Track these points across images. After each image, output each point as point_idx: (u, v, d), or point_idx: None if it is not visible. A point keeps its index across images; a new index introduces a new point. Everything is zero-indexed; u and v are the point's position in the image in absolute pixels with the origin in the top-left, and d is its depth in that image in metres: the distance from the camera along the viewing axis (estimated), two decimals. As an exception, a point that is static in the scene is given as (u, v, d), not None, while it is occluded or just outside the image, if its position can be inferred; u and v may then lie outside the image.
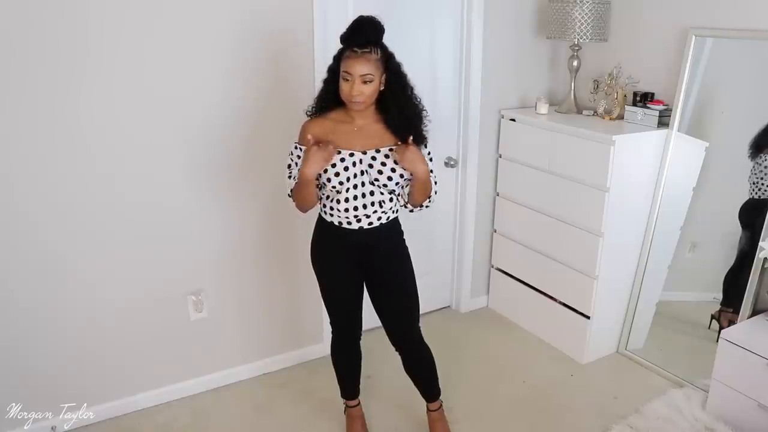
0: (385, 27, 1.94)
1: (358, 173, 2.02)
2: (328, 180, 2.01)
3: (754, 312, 2.64)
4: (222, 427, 2.57)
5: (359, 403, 2.51)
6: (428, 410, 2.46)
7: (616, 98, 2.98)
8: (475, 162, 3.27)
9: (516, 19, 3.18)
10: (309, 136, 1.97)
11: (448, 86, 3.16)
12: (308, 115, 2.10)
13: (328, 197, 2.08)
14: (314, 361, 3.00)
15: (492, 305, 3.59)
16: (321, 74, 2.62)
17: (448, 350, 3.12)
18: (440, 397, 2.45)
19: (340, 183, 2.01)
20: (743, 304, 2.63)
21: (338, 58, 1.98)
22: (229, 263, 2.70)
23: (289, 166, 2.11)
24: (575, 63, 3.10)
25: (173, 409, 2.66)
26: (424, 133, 2.08)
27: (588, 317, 2.97)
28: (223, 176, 2.59)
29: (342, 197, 2.04)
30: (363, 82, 1.90)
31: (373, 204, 2.07)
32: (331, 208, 2.08)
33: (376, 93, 1.96)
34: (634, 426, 2.52)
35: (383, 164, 2.03)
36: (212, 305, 2.71)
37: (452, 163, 3.25)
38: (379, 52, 1.94)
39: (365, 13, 1.95)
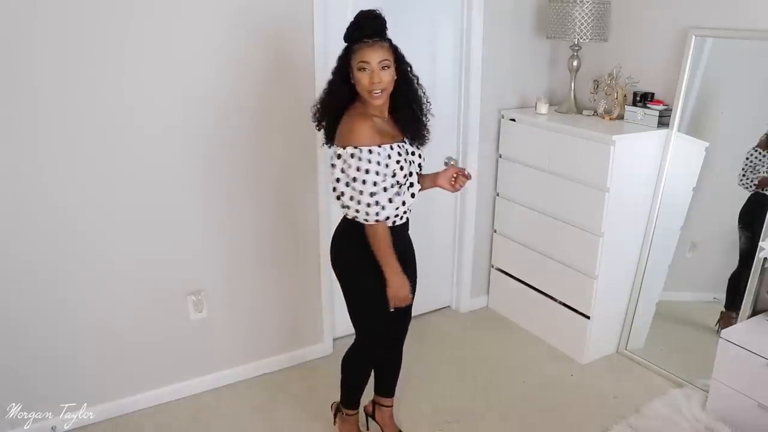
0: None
1: (412, 163, 2.04)
2: (393, 175, 1.94)
3: (754, 312, 2.64)
4: (222, 427, 2.57)
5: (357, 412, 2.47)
6: (388, 406, 2.48)
7: (616, 98, 2.98)
8: (475, 162, 3.27)
9: (516, 19, 3.18)
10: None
11: (448, 86, 3.16)
12: (317, 118, 2.05)
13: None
14: (314, 362, 3.00)
15: (492, 305, 3.59)
16: (321, 73, 2.66)
17: (448, 350, 3.12)
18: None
19: (404, 177, 1.98)
20: (743, 304, 2.63)
21: (344, 57, 1.94)
22: (230, 263, 2.70)
23: (375, 183, 1.87)
24: (575, 63, 3.10)
25: (173, 409, 2.66)
26: (428, 127, 2.09)
27: (588, 317, 2.97)
28: (224, 176, 2.59)
29: (401, 191, 2.00)
30: (382, 68, 1.87)
31: (413, 195, 2.06)
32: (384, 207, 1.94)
33: (393, 81, 1.93)
34: (634, 426, 2.52)
35: (420, 156, 2.08)
36: (212, 305, 2.71)
37: (452, 163, 3.25)
38: (388, 43, 1.92)
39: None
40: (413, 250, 2.24)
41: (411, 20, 2.94)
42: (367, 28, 1.89)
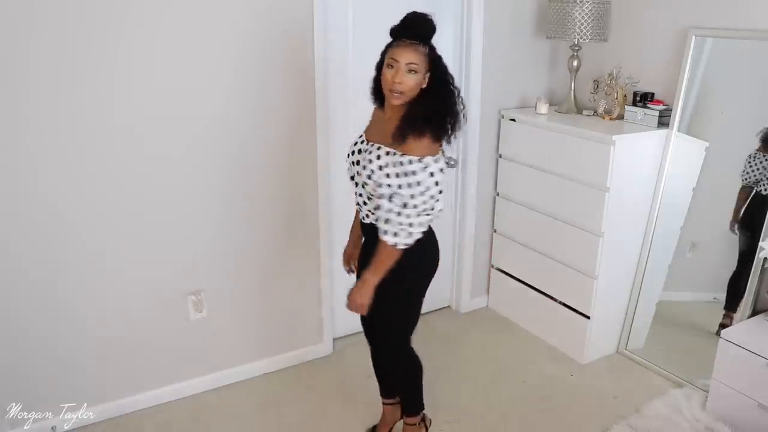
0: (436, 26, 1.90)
1: (354, 162, 2.00)
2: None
3: (754, 312, 2.64)
4: (222, 428, 2.57)
5: (392, 403, 2.42)
6: (404, 422, 2.40)
7: (616, 98, 2.98)
8: (475, 162, 3.27)
9: (516, 19, 3.18)
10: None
11: (448, 86, 3.15)
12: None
13: None
14: (314, 361, 3.00)
15: (492, 305, 3.59)
16: (321, 74, 2.66)
17: (448, 350, 3.12)
18: (421, 413, 2.37)
19: (347, 166, 2.06)
20: (743, 303, 2.63)
21: (383, 53, 1.92)
22: (230, 263, 2.70)
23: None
24: (575, 63, 3.10)
25: (173, 409, 2.66)
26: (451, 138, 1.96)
27: (588, 317, 2.97)
28: (224, 177, 2.59)
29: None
30: (408, 71, 1.83)
31: (357, 195, 2.04)
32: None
33: (417, 88, 1.87)
34: (634, 426, 2.52)
35: (369, 161, 1.91)
36: (212, 305, 2.71)
37: (452, 163, 3.25)
38: (427, 48, 1.88)
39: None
40: (369, 256, 2.00)
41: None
42: (414, 29, 1.86)
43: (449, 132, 1.91)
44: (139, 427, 2.55)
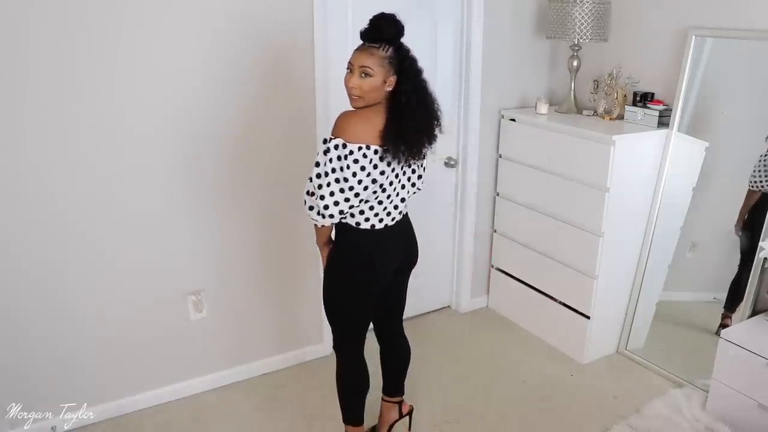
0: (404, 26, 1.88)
1: None
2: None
3: (754, 312, 2.64)
4: (222, 427, 2.57)
5: (391, 402, 2.45)
6: None
7: (616, 98, 2.98)
8: (475, 162, 3.27)
9: (516, 19, 3.18)
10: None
11: (448, 86, 3.15)
12: None
13: None
14: (313, 362, 3.00)
15: (492, 305, 3.59)
16: (321, 73, 2.66)
17: (448, 350, 3.12)
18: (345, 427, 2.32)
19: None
20: (743, 303, 2.63)
21: None
22: (229, 263, 2.70)
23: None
24: (575, 63, 3.10)
25: (173, 409, 2.66)
26: (426, 150, 2.01)
27: (588, 317, 2.97)
28: (224, 176, 2.59)
29: None
30: (361, 74, 1.85)
31: None
32: None
33: (375, 91, 1.88)
34: (634, 426, 2.53)
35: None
36: (212, 305, 2.71)
37: (452, 163, 3.25)
38: (390, 50, 1.87)
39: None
40: None
41: (411, 20, 2.91)
42: (376, 31, 1.87)
43: (404, 139, 1.90)
44: (139, 427, 2.55)
